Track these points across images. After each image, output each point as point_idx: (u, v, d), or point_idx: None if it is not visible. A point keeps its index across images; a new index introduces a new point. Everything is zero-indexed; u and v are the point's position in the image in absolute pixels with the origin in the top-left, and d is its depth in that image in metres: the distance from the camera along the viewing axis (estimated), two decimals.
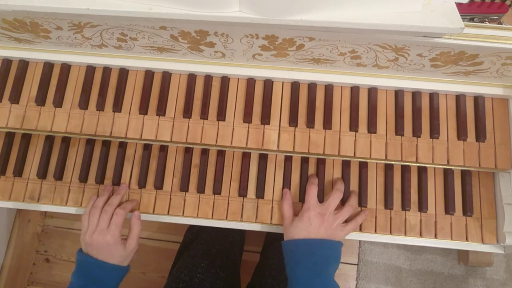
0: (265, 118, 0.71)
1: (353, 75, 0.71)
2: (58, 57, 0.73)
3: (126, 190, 0.72)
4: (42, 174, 0.73)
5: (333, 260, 0.64)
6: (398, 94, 0.72)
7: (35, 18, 0.61)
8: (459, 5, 0.54)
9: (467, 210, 0.70)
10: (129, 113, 0.73)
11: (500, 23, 0.74)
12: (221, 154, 0.73)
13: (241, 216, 0.72)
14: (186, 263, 0.83)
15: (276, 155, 0.73)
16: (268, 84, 0.73)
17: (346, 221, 0.68)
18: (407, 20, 0.52)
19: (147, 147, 0.74)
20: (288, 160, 0.73)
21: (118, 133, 0.72)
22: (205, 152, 0.73)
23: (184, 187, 0.72)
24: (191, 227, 0.98)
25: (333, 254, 0.64)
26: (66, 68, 0.74)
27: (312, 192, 0.67)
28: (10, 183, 0.74)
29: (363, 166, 0.72)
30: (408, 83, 0.71)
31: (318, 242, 0.63)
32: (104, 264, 0.66)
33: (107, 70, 0.74)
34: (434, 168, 0.73)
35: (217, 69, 0.72)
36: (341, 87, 0.73)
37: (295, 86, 0.73)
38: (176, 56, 0.70)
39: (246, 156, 0.73)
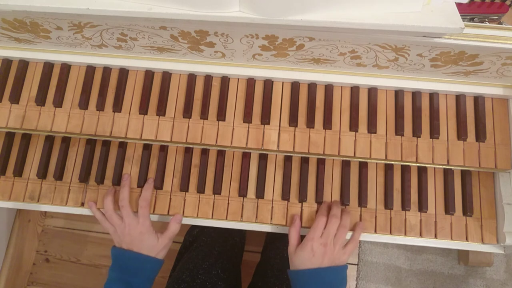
0: (265, 118, 0.71)
1: (353, 75, 0.71)
2: (58, 57, 0.73)
3: (129, 180, 0.72)
4: (42, 174, 0.73)
5: (339, 284, 0.65)
6: (398, 94, 0.72)
7: (35, 18, 0.61)
8: (459, 5, 0.54)
9: (467, 210, 0.70)
10: (129, 113, 0.73)
11: (500, 23, 0.74)
12: (221, 154, 0.73)
13: (241, 216, 0.72)
14: (187, 264, 0.83)
15: (276, 155, 0.73)
16: (268, 84, 0.73)
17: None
18: (407, 20, 0.52)
19: (147, 147, 0.74)
20: (288, 160, 0.73)
21: (118, 133, 0.72)
22: (205, 152, 0.73)
23: (184, 187, 0.72)
24: (191, 230, 0.98)
25: (338, 279, 0.65)
26: (66, 68, 0.74)
27: (321, 224, 0.67)
28: (10, 183, 0.74)
29: (363, 166, 0.72)
30: (408, 83, 0.71)
31: (322, 270, 0.64)
32: (138, 255, 0.67)
33: (107, 70, 0.74)
34: (434, 168, 0.73)
35: (217, 69, 0.72)
36: (341, 87, 0.73)
37: (295, 86, 0.73)
38: (176, 56, 0.70)
39: (246, 156, 0.73)
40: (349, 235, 0.69)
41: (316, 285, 0.63)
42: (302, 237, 0.69)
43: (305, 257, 0.65)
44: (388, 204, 0.71)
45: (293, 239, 0.68)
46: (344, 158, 0.72)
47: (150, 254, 0.68)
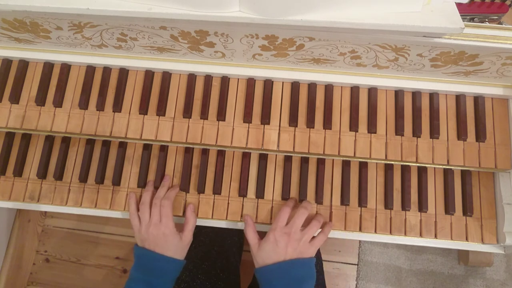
0: (265, 118, 0.71)
1: (353, 75, 0.71)
2: (58, 57, 0.73)
3: (170, 182, 0.72)
4: (42, 174, 0.73)
5: (308, 278, 0.63)
6: (398, 94, 0.72)
7: (35, 18, 0.61)
8: (459, 5, 0.54)
9: (467, 210, 0.70)
10: (129, 113, 0.73)
11: (500, 23, 0.74)
12: (221, 154, 0.73)
13: (241, 216, 0.72)
14: (187, 264, 0.83)
15: (276, 155, 0.74)
16: (268, 84, 0.73)
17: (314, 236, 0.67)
18: (407, 20, 0.52)
19: (147, 147, 0.74)
20: (288, 160, 0.73)
21: (118, 133, 0.72)
22: (205, 152, 0.73)
23: (184, 187, 0.72)
24: None
25: (306, 272, 0.63)
26: (66, 68, 0.74)
27: (284, 215, 0.66)
28: (10, 183, 0.74)
29: (363, 166, 0.72)
30: (408, 83, 0.71)
31: (288, 264, 0.62)
32: (162, 257, 0.66)
33: (107, 70, 0.74)
34: (434, 168, 0.73)
35: (217, 69, 0.72)
36: (341, 87, 0.73)
37: (295, 86, 0.73)
38: (176, 56, 0.70)
39: (246, 156, 0.73)
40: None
41: (283, 280, 0.61)
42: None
43: (267, 249, 0.62)
44: (388, 204, 0.71)
45: (251, 239, 0.66)
46: (344, 158, 0.72)
47: (174, 255, 0.67)
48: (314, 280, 0.64)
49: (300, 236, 0.64)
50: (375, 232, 0.71)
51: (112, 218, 0.76)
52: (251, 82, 0.73)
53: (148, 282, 0.64)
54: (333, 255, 1.35)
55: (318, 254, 0.98)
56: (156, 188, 0.72)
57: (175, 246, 0.67)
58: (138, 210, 0.70)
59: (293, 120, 0.71)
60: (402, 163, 0.72)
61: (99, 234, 1.43)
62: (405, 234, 0.71)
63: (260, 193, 0.72)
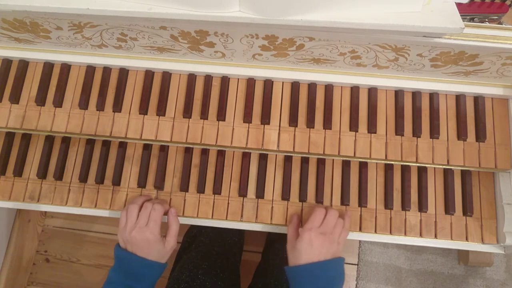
0: (265, 118, 0.71)
1: (353, 75, 0.71)
2: (58, 57, 0.73)
3: (167, 206, 0.71)
4: (42, 174, 0.73)
5: (338, 279, 0.63)
6: (398, 94, 0.72)
7: (35, 18, 0.61)
8: (459, 5, 0.54)
9: (467, 210, 0.70)
10: (129, 113, 0.73)
11: (500, 23, 0.74)
12: (221, 154, 0.73)
13: (241, 216, 0.72)
14: (187, 264, 0.83)
15: (276, 155, 0.73)
16: (268, 84, 0.73)
17: None
18: (407, 20, 0.52)
19: (147, 147, 0.74)
20: (288, 160, 0.73)
21: (118, 133, 0.72)
22: (205, 152, 0.73)
23: (184, 187, 0.72)
24: (189, 231, 0.98)
25: (337, 273, 0.63)
26: (66, 68, 0.74)
27: (320, 215, 0.65)
28: (10, 183, 0.74)
29: (363, 166, 0.72)
30: (408, 83, 0.71)
31: (322, 266, 0.61)
32: (144, 261, 0.65)
33: (107, 70, 0.74)
34: (434, 168, 0.73)
35: (217, 69, 0.72)
36: (341, 87, 0.73)
37: (295, 86, 0.73)
38: (176, 56, 0.70)
39: (246, 156, 0.73)
40: None
41: (313, 281, 0.61)
42: None
43: (302, 249, 0.62)
44: (388, 204, 0.71)
45: (290, 235, 0.66)
46: (344, 158, 0.72)
47: (156, 259, 0.66)
48: (343, 280, 0.64)
49: (332, 236, 0.63)
50: (375, 232, 0.71)
51: (112, 218, 0.76)
52: (251, 82, 0.73)
53: (128, 285, 0.63)
54: None
55: None
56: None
57: (157, 252, 0.66)
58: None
59: (293, 120, 0.71)
60: (402, 163, 0.72)
61: (99, 234, 1.43)
62: (405, 234, 0.71)
63: (260, 193, 0.72)
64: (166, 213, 0.70)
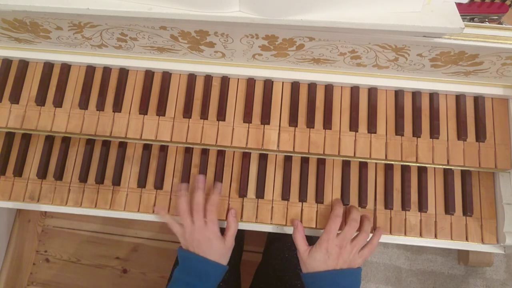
0: (265, 118, 0.71)
1: (353, 75, 0.71)
2: (58, 57, 0.73)
3: (204, 181, 0.71)
4: (42, 174, 0.73)
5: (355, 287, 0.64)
6: (398, 94, 0.72)
7: (35, 18, 0.61)
8: (459, 5, 0.54)
9: (467, 210, 0.70)
10: (129, 113, 0.73)
11: (500, 23, 0.74)
12: (221, 154, 0.73)
13: (241, 216, 0.72)
14: None
15: (276, 155, 0.73)
16: (268, 84, 0.73)
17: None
18: (407, 20, 0.52)
19: (147, 147, 0.74)
20: (288, 160, 0.73)
21: (118, 133, 0.72)
22: (205, 152, 0.73)
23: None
24: None
25: (354, 282, 0.64)
26: (66, 68, 0.74)
27: (335, 225, 0.65)
28: (10, 183, 0.74)
29: (363, 166, 0.72)
30: (408, 83, 0.71)
31: (339, 273, 0.63)
32: (207, 261, 0.65)
33: (107, 70, 0.74)
34: (434, 168, 0.73)
35: (217, 69, 0.72)
36: (341, 87, 0.73)
37: (295, 86, 0.73)
38: (176, 56, 0.70)
39: (246, 156, 0.73)
40: None
41: (330, 287, 0.62)
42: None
43: (319, 259, 0.63)
44: (388, 204, 0.71)
45: (301, 245, 0.66)
46: (344, 158, 0.72)
47: (218, 259, 0.66)
48: None
49: (350, 248, 0.64)
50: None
51: (112, 218, 0.76)
52: (251, 82, 0.73)
53: (192, 285, 0.64)
54: None
55: None
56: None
57: (219, 251, 0.67)
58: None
59: (293, 120, 0.71)
60: (402, 163, 0.72)
61: (99, 234, 1.43)
62: (405, 234, 0.71)
63: (260, 193, 0.72)
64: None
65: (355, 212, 0.67)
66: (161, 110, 0.72)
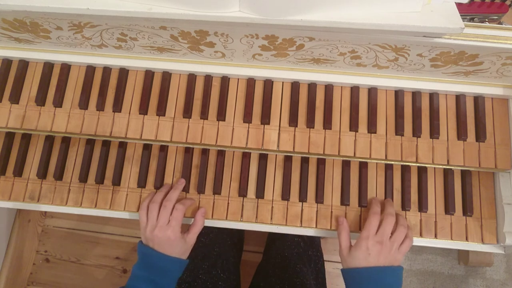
0: (265, 118, 0.71)
1: (353, 75, 0.71)
2: (58, 57, 0.73)
3: (183, 185, 0.72)
4: (42, 174, 0.73)
5: (397, 286, 0.63)
6: (398, 94, 0.72)
7: (35, 18, 0.61)
8: (459, 5, 0.54)
9: (467, 210, 0.70)
10: (129, 113, 0.73)
11: (500, 23, 0.74)
12: (221, 154, 0.73)
13: (241, 216, 0.72)
14: (188, 265, 0.83)
15: (276, 155, 0.73)
16: (268, 84, 0.73)
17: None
18: (407, 20, 0.52)
19: (147, 147, 0.74)
20: (288, 160, 0.73)
21: (118, 133, 0.72)
22: (205, 152, 0.73)
23: (184, 187, 0.72)
24: None
25: (395, 281, 0.63)
26: (66, 68, 0.74)
27: (374, 222, 0.65)
28: (10, 183, 0.74)
29: (363, 166, 0.72)
30: (408, 83, 0.71)
31: (380, 270, 0.62)
32: (167, 257, 0.66)
33: (107, 70, 0.74)
34: (434, 168, 0.73)
35: (217, 69, 0.72)
36: (341, 87, 0.73)
37: (295, 86, 0.73)
38: (176, 56, 0.70)
39: (246, 156, 0.73)
40: None
41: (373, 284, 0.61)
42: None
43: (360, 257, 0.63)
44: None
45: (344, 242, 0.66)
46: (344, 158, 0.72)
47: (177, 256, 0.67)
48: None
49: (390, 244, 0.64)
50: None
51: (112, 218, 0.76)
52: (251, 82, 0.73)
53: (153, 281, 0.64)
54: (333, 255, 1.35)
55: (320, 253, 0.98)
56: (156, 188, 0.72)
57: (179, 249, 0.67)
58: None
59: (293, 120, 0.71)
60: (402, 163, 0.72)
61: (99, 234, 1.43)
62: None
63: (260, 193, 0.72)
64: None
65: (389, 207, 0.67)
66: (161, 110, 0.72)
